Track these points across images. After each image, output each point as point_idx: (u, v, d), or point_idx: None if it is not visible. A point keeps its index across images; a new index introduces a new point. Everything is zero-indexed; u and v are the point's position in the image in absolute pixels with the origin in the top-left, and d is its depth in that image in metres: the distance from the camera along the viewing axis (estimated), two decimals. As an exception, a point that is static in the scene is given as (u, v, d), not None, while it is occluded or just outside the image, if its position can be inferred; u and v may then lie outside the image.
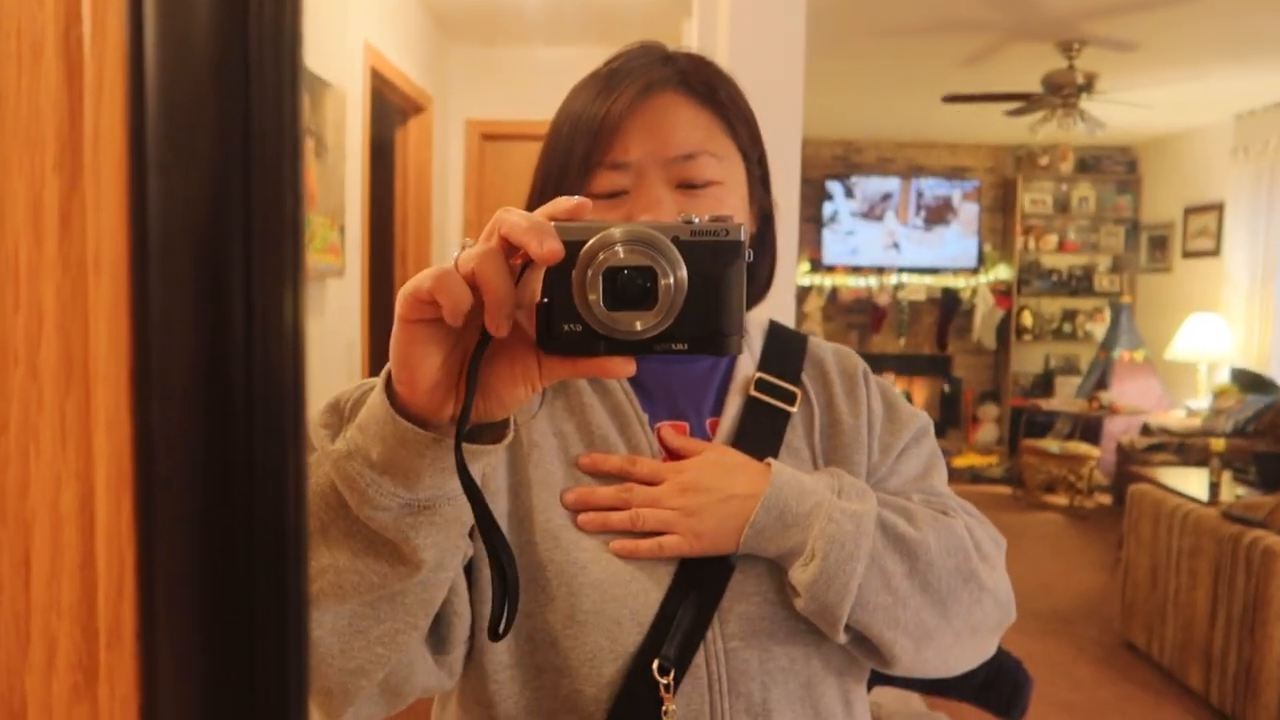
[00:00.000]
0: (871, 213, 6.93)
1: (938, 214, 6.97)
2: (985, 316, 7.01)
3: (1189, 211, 6.47)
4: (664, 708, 0.69)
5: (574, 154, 0.74)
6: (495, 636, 0.61)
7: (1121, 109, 5.24)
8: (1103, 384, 6.34)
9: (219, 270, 0.24)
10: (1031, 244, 7.06)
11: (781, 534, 0.72)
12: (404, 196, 4.36)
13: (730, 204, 0.76)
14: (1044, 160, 6.81)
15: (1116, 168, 7.07)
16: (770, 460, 0.76)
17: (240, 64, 0.24)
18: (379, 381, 0.59)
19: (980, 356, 7.25)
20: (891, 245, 6.95)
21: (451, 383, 0.57)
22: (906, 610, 0.73)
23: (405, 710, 0.73)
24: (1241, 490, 3.84)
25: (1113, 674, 3.37)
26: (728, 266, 0.55)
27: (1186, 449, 5.31)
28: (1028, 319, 7.14)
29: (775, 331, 0.87)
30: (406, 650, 0.66)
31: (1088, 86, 4.62)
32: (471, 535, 0.67)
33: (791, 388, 0.81)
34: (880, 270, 6.97)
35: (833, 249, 6.91)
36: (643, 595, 0.72)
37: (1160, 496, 3.41)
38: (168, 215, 0.24)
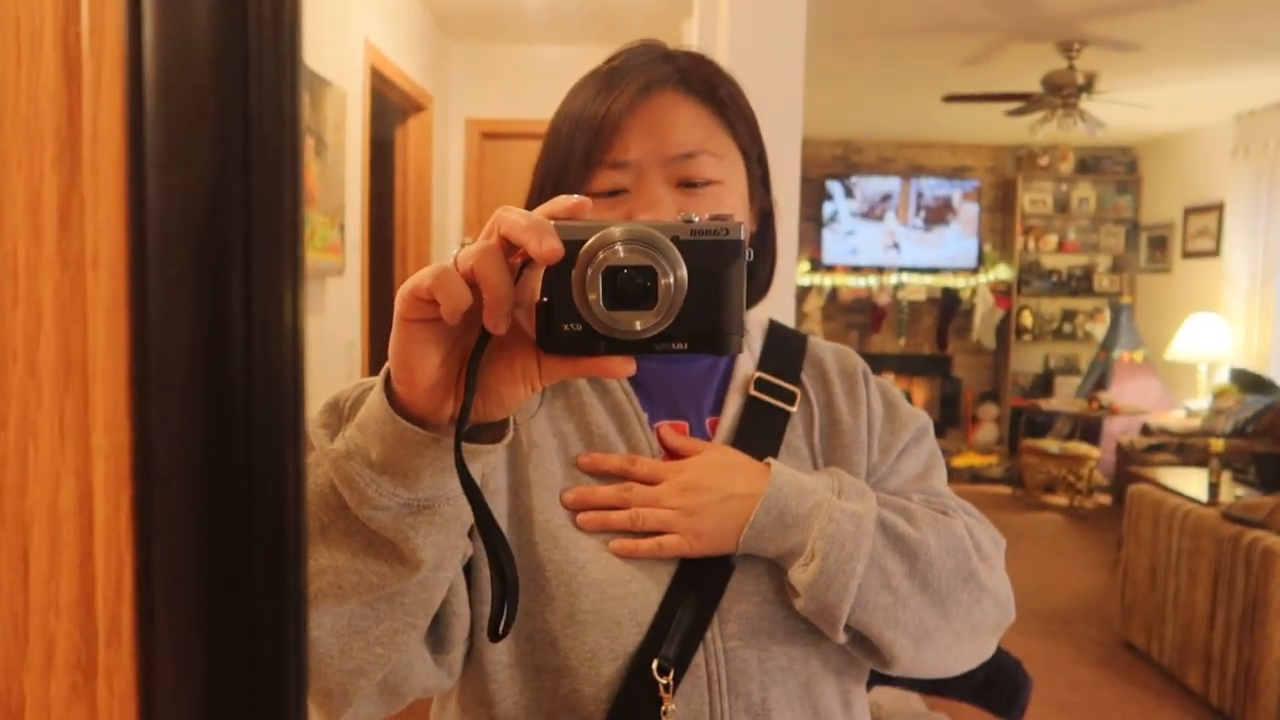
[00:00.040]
0: (871, 213, 6.93)
1: (938, 214, 6.97)
2: (985, 316, 7.01)
3: (1189, 212, 6.47)
4: (663, 708, 0.69)
5: (574, 152, 0.74)
6: (495, 637, 0.61)
7: (1121, 109, 5.25)
8: (1102, 384, 6.34)
9: (218, 268, 0.24)
10: (1031, 244, 7.06)
11: (781, 534, 0.72)
12: (404, 195, 4.36)
13: (730, 203, 0.76)
14: (1044, 160, 6.81)
15: (1116, 168, 7.07)
16: (770, 460, 0.75)
17: (239, 62, 0.24)
18: (378, 381, 0.59)
19: (980, 356, 7.25)
20: (891, 245, 6.95)
21: (451, 382, 0.57)
22: (906, 610, 0.72)
23: (405, 710, 0.73)
24: (1241, 491, 3.84)
25: (1112, 674, 3.37)
26: (728, 266, 0.55)
27: (1186, 449, 5.32)
28: (1027, 319, 7.14)
29: (775, 331, 0.87)
30: (406, 650, 0.66)
31: (1088, 86, 4.62)
32: (471, 535, 0.67)
33: (791, 387, 0.81)
34: (880, 270, 6.97)
35: (833, 249, 6.91)
36: (642, 595, 0.71)
37: (1160, 497, 3.41)
38: (167, 213, 0.24)
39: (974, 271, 7.02)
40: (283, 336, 0.25)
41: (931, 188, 6.96)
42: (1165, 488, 3.75)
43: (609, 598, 0.71)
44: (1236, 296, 5.86)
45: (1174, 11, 3.92)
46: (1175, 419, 5.82)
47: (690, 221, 0.55)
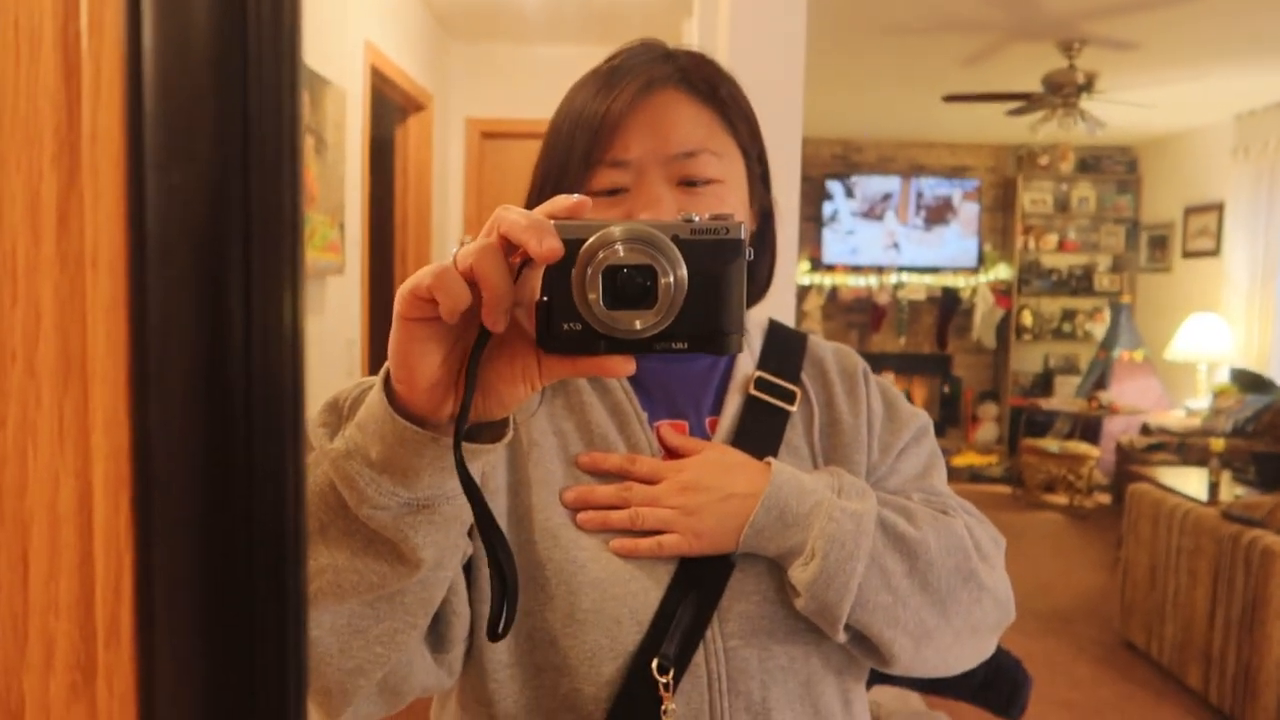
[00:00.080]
0: (871, 212, 6.93)
1: (938, 214, 6.97)
2: (985, 316, 7.01)
3: (1189, 211, 6.47)
4: (663, 707, 0.69)
5: (574, 151, 0.74)
6: (495, 637, 0.61)
7: (1122, 109, 5.24)
8: (1102, 384, 6.34)
9: (218, 268, 0.24)
10: (1031, 243, 7.06)
11: (781, 533, 0.72)
12: (404, 194, 4.36)
13: (730, 202, 0.76)
14: (1044, 160, 6.81)
15: (1117, 167, 7.07)
16: (770, 459, 0.75)
17: (239, 61, 0.24)
18: (378, 380, 0.59)
19: (980, 356, 7.25)
20: (891, 245, 6.95)
21: (451, 381, 0.57)
22: (906, 609, 0.72)
23: (405, 709, 0.73)
24: (1241, 490, 3.84)
25: (1112, 673, 3.37)
26: (728, 265, 0.55)
27: (1186, 449, 5.32)
28: (1027, 318, 7.14)
29: (775, 330, 0.87)
30: (405, 649, 0.66)
31: (1088, 86, 4.62)
32: (471, 534, 0.67)
33: (791, 387, 0.81)
34: (880, 269, 6.97)
35: (833, 248, 6.91)
36: (642, 594, 0.71)
37: (1160, 496, 3.41)
38: (166, 213, 0.24)
39: (974, 271, 7.02)
40: (282, 335, 0.25)
41: (931, 187, 6.96)
42: (1165, 487, 3.75)
43: (609, 597, 0.71)
44: (1236, 296, 5.86)
45: (1174, 11, 3.92)
46: (1175, 418, 5.82)
47: (690, 221, 0.55)
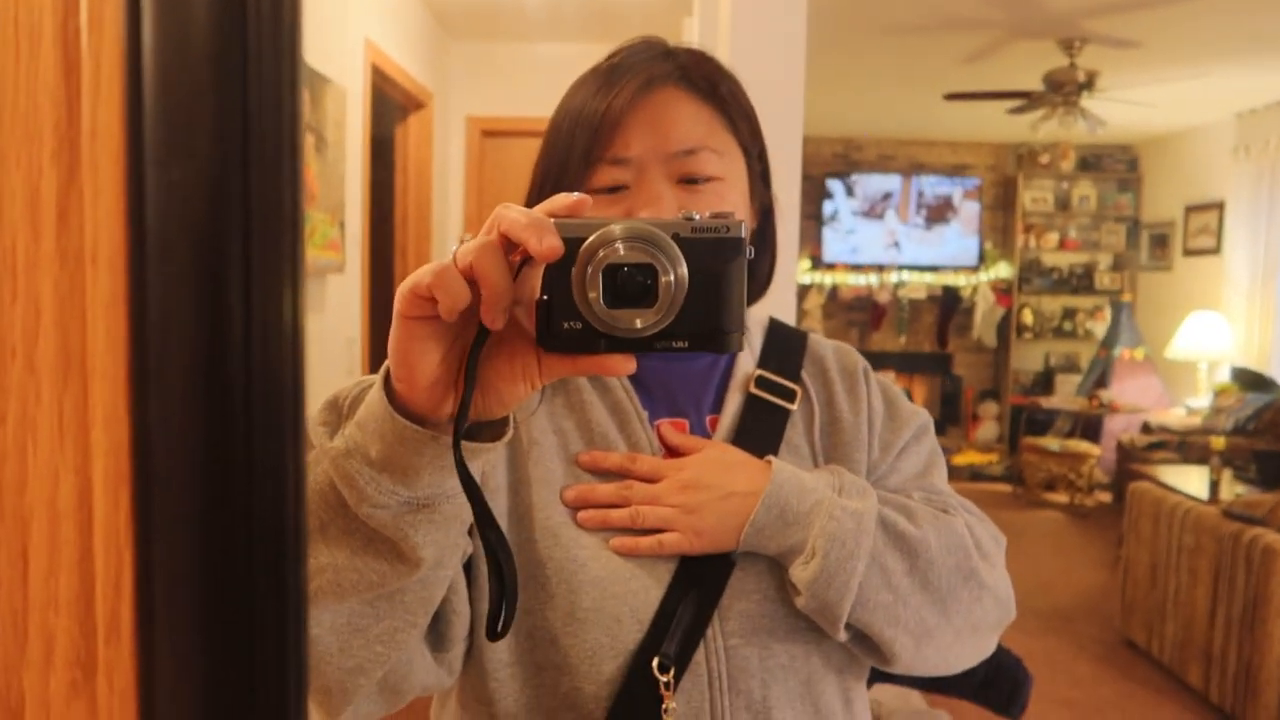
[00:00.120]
0: (872, 211, 6.92)
1: (938, 212, 6.97)
2: (986, 314, 7.01)
3: (1190, 210, 6.47)
4: (664, 705, 0.69)
5: (574, 149, 0.74)
6: (494, 636, 0.61)
7: (1122, 107, 5.24)
8: (1103, 382, 6.34)
9: (218, 264, 0.24)
10: (1032, 242, 7.06)
11: (782, 532, 0.72)
12: (404, 193, 4.36)
13: (731, 200, 0.76)
14: (1045, 158, 6.81)
15: (1117, 166, 7.07)
16: (770, 458, 0.75)
17: (239, 58, 0.24)
18: (378, 378, 0.59)
19: (980, 354, 7.25)
20: (892, 244, 6.95)
21: (450, 380, 0.57)
22: (907, 608, 0.72)
23: (405, 708, 0.73)
24: (1241, 488, 3.84)
25: (1113, 672, 3.37)
26: (728, 263, 0.55)
27: (1187, 447, 5.32)
28: (1028, 317, 7.14)
29: (775, 329, 0.87)
30: (405, 648, 0.66)
31: (1089, 84, 4.61)
32: (471, 533, 0.67)
33: (791, 385, 0.81)
34: (881, 268, 6.97)
35: (833, 247, 6.91)
36: (643, 593, 0.71)
37: (1160, 495, 3.41)
38: (166, 209, 0.24)
39: (975, 269, 7.02)
40: (282, 333, 0.25)
41: (932, 186, 6.95)
42: (1166, 486, 3.75)
43: (609, 595, 0.71)
44: (1237, 295, 5.86)
45: (1175, 9, 3.92)
46: (1176, 417, 5.82)
47: (691, 219, 0.55)
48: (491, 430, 0.61)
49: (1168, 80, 5.10)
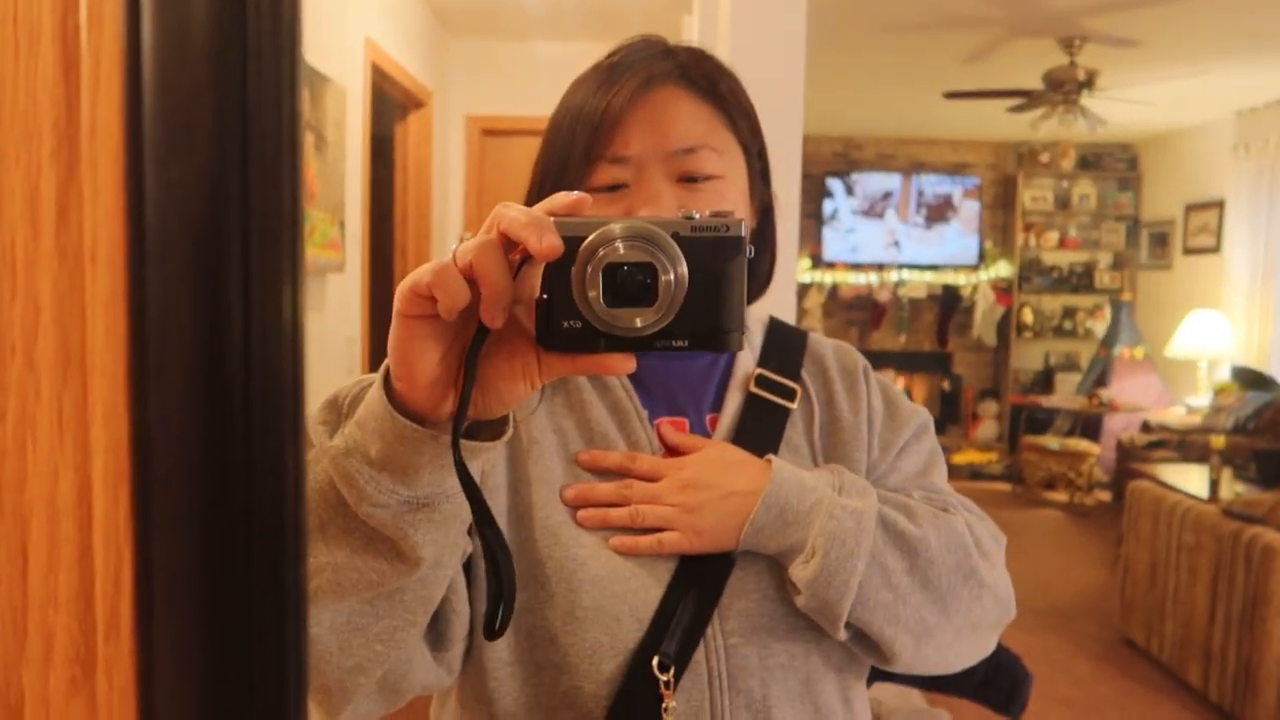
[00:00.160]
0: (872, 210, 6.92)
1: (938, 211, 6.96)
2: (986, 313, 7.01)
3: (1190, 208, 6.47)
4: (664, 704, 0.69)
5: (574, 148, 0.74)
6: (491, 635, 0.61)
7: (1122, 106, 5.24)
8: (1103, 381, 6.34)
9: (217, 263, 0.24)
10: (1032, 241, 7.06)
11: (782, 531, 0.72)
12: (404, 192, 4.36)
13: (731, 198, 0.76)
14: (1045, 157, 6.81)
15: (1117, 164, 7.07)
16: (770, 457, 0.75)
17: (238, 56, 0.24)
18: (377, 377, 0.59)
19: (980, 353, 7.25)
20: (892, 243, 6.95)
21: (450, 379, 0.57)
22: (907, 607, 0.72)
23: (404, 708, 0.73)
24: (1241, 487, 3.84)
25: (1112, 670, 3.37)
26: (728, 262, 0.55)
27: (1186, 446, 5.32)
28: (1028, 316, 7.14)
29: (775, 328, 0.87)
30: (405, 648, 0.66)
31: (1089, 83, 4.61)
32: (471, 533, 0.67)
33: (791, 384, 0.81)
34: (880, 267, 6.97)
35: (833, 246, 6.91)
36: (642, 592, 0.71)
37: (1160, 493, 3.41)
38: (165, 207, 0.24)
39: (975, 268, 7.01)
40: (282, 332, 0.25)
41: (932, 185, 6.95)
42: (1165, 484, 3.75)
43: (609, 594, 0.71)
44: (1237, 293, 5.86)
45: (1175, 7, 3.92)
46: (1176, 416, 5.82)
47: (691, 218, 0.55)
48: (491, 429, 0.61)
49: (1168, 79, 5.10)
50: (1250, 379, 5.42)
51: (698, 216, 0.55)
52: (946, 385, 7.16)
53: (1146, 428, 5.74)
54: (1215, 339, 5.79)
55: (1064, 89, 4.65)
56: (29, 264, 0.25)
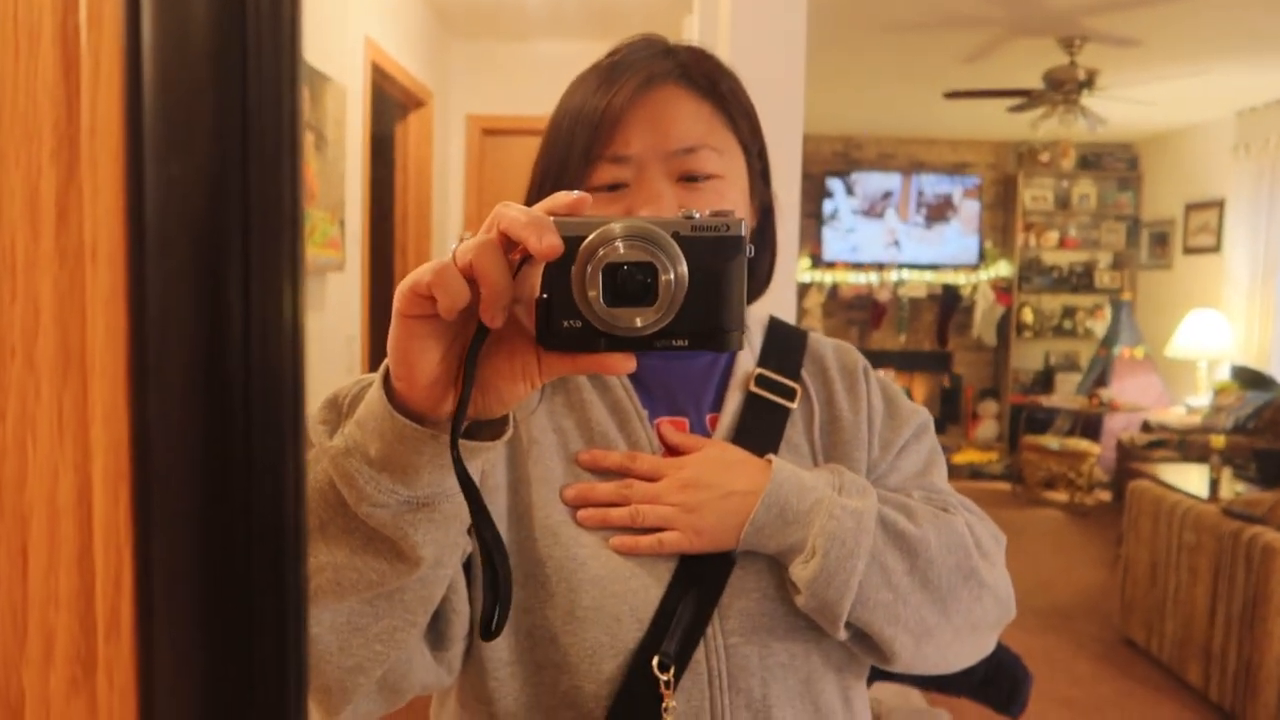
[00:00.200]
0: (872, 210, 6.92)
1: (938, 211, 6.96)
2: (986, 313, 7.01)
3: (1190, 208, 6.46)
4: (664, 704, 0.69)
5: (574, 147, 0.74)
6: (487, 636, 0.61)
7: (1123, 105, 5.24)
8: (1103, 381, 6.34)
9: (217, 262, 0.24)
10: (1032, 240, 7.06)
11: (782, 531, 0.72)
12: (404, 191, 4.36)
13: (731, 198, 0.76)
14: (1045, 156, 6.81)
15: (1118, 164, 7.06)
16: (771, 456, 0.75)
17: (238, 55, 0.24)
18: (377, 377, 0.59)
19: (980, 353, 7.25)
20: (892, 242, 6.95)
21: (450, 378, 0.57)
22: (907, 607, 0.72)
23: (404, 707, 0.73)
24: (1241, 487, 3.84)
25: (1112, 670, 3.37)
26: (728, 262, 0.55)
27: (1187, 446, 5.32)
28: (1028, 315, 7.13)
29: (775, 327, 0.87)
30: (405, 647, 0.66)
31: (1089, 83, 4.61)
32: (470, 532, 0.67)
33: (791, 384, 0.81)
34: (881, 266, 6.97)
35: (833, 245, 6.91)
36: (642, 591, 0.71)
37: (1160, 493, 3.41)
38: (165, 206, 0.24)
39: (975, 268, 7.01)
40: (282, 331, 0.25)
41: (932, 184, 6.95)
42: (1166, 484, 3.75)
43: (609, 594, 0.71)
44: (1237, 293, 5.86)
45: (1175, 7, 3.92)
46: (1176, 415, 5.82)
47: (691, 217, 0.55)
48: (491, 429, 0.61)
49: (1168, 78, 5.10)
50: (1250, 378, 5.42)
51: (698, 216, 0.55)
52: (946, 385, 7.16)
53: (1147, 427, 5.74)
54: (1215, 339, 5.79)
55: (1064, 88, 4.65)
56: (29, 264, 0.25)
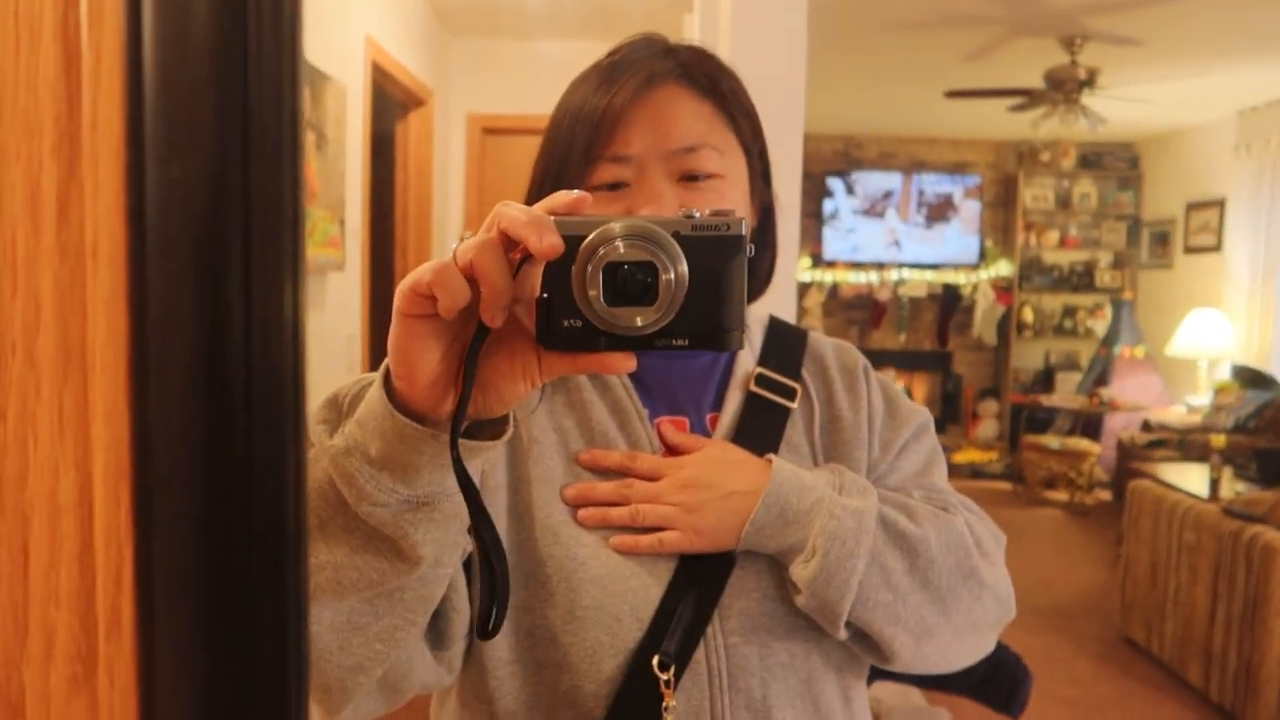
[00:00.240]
0: (872, 210, 6.92)
1: (939, 211, 6.96)
2: (986, 312, 7.01)
3: (1191, 207, 6.46)
4: (664, 704, 0.69)
5: (575, 146, 0.74)
6: (484, 636, 0.61)
7: (1123, 105, 5.24)
8: (1103, 380, 6.34)
9: (218, 260, 0.24)
10: (1033, 240, 7.05)
11: (782, 530, 0.72)
12: (405, 190, 4.36)
13: (731, 197, 0.76)
14: (1046, 156, 6.81)
15: (1118, 164, 7.06)
16: (771, 456, 0.75)
17: (239, 53, 0.24)
18: (377, 376, 0.59)
19: (981, 352, 7.24)
20: (892, 242, 6.94)
21: (450, 378, 0.57)
22: (907, 607, 0.72)
23: (404, 707, 0.72)
24: (1242, 486, 3.84)
25: (1112, 669, 3.37)
26: (729, 261, 0.55)
27: (1187, 445, 5.32)
28: (1028, 315, 7.13)
29: (775, 327, 0.87)
30: (405, 646, 0.66)
31: (1090, 82, 4.61)
32: (471, 532, 0.67)
33: (791, 383, 0.81)
34: (881, 266, 6.97)
35: (833, 245, 6.91)
36: (643, 591, 0.71)
37: (1160, 493, 3.41)
38: (166, 204, 0.24)
39: (975, 267, 7.01)
40: (283, 330, 0.25)
41: (933, 184, 6.95)
42: (1166, 484, 3.75)
43: (609, 594, 0.71)
44: (1238, 292, 5.86)
45: (1176, 7, 3.92)
46: (1176, 415, 5.82)
47: (691, 217, 0.55)
48: (491, 428, 0.61)
49: (1169, 78, 5.10)
50: (1251, 378, 5.42)
51: (698, 215, 0.55)
52: (947, 385, 7.16)
53: (1147, 427, 5.74)
54: (1216, 338, 5.79)
55: (1065, 88, 4.65)
56: (30, 261, 0.25)
